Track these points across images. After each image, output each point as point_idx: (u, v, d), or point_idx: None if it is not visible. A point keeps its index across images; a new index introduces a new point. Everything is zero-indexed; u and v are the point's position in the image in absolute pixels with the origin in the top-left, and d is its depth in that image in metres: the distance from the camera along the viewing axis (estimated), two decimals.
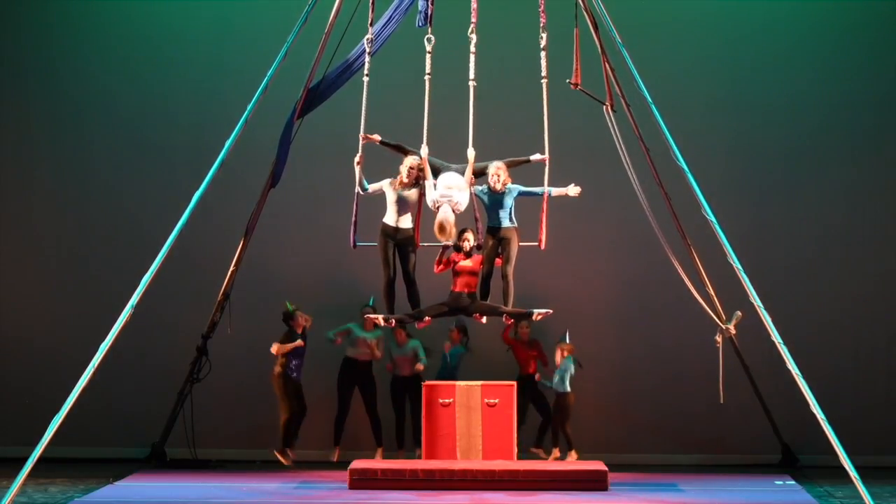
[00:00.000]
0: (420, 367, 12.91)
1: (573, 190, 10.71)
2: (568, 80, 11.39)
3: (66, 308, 13.86)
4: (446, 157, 10.76)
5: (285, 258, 13.85)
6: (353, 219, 10.75)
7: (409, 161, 10.68)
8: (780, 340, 9.74)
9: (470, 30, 10.78)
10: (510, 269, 10.61)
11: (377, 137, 10.81)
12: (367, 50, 11.10)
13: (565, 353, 12.65)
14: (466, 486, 10.48)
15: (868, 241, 13.93)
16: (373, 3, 11.18)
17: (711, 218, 10.34)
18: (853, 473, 9.14)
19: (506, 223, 10.68)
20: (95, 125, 14.08)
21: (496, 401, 11.90)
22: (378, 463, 11.54)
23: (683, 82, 13.85)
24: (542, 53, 10.83)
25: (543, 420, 12.99)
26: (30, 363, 13.77)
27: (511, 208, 10.69)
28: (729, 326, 11.94)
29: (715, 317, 12.05)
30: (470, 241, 10.75)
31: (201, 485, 11.38)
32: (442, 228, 10.36)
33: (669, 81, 13.28)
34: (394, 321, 10.72)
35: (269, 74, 11.02)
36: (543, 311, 10.50)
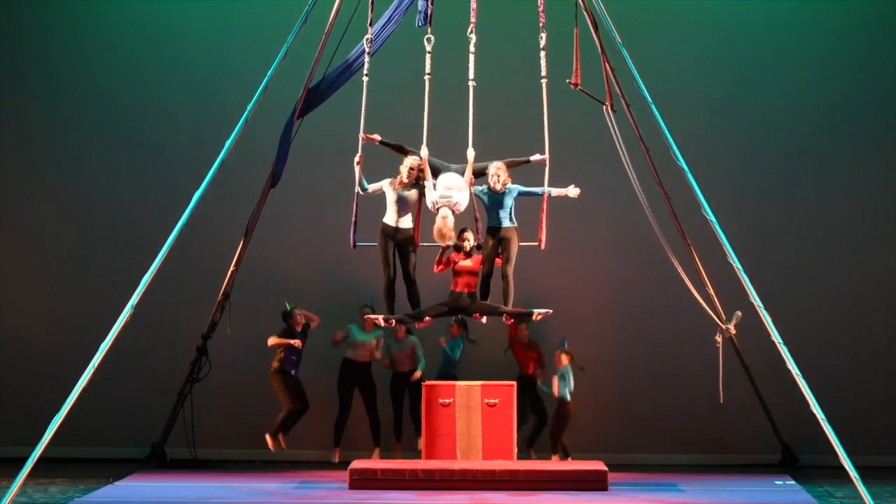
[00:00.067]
0: (418, 374, 12.90)
1: (573, 191, 10.70)
2: (568, 80, 11.38)
3: (66, 308, 13.87)
4: (446, 157, 10.76)
5: (285, 258, 13.85)
6: (353, 219, 10.75)
7: (409, 161, 10.67)
8: (780, 340, 9.74)
9: (470, 30, 10.78)
10: (510, 269, 10.61)
11: (377, 137, 10.81)
12: (367, 50, 11.10)
13: (564, 360, 12.59)
14: (466, 486, 10.48)
15: (868, 241, 13.93)
16: (373, 3, 11.18)
17: (711, 218, 10.34)
18: (853, 473, 9.14)
19: (506, 223, 10.68)
20: (95, 125, 14.09)
21: (496, 401, 11.90)
22: (378, 463, 11.54)
23: (683, 82, 13.85)
24: (542, 53, 10.83)
25: (538, 423, 12.98)
26: (30, 363, 13.77)
27: (511, 208, 10.69)
28: (729, 326, 11.94)
29: (715, 317, 12.05)
30: (470, 241, 10.75)
31: (201, 485, 11.38)
32: (441, 235, 10.40)
33: (669, 81, 13.28)
34: (394, 321, 10.71)
35: (269, 74, 11.02)
36: (543, 310, 10.50)
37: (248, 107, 10.87)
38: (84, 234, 13.99)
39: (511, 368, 13.10)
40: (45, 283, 13.98)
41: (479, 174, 10.71)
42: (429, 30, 10.91)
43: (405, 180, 10.68)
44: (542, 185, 10.70)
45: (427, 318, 10.68)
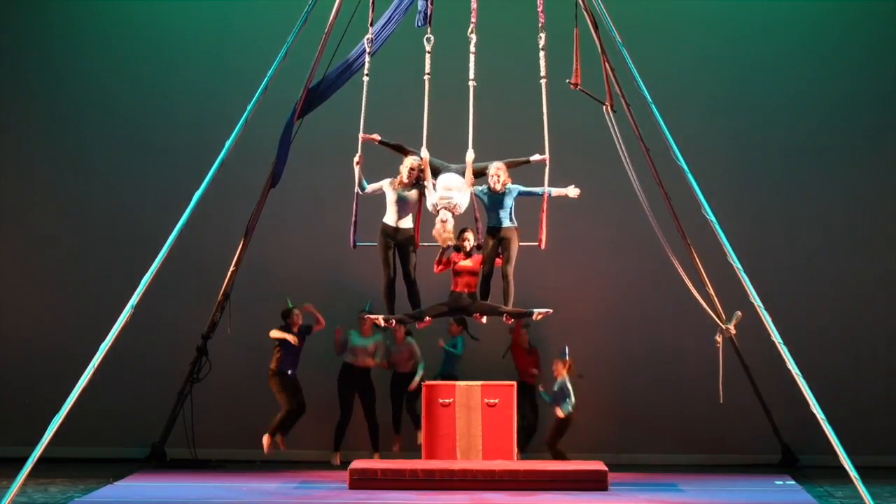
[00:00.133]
0: (415, 383, 12.87)
1: (573, 191, 10.69)
2: (568, 80, 11.38)
3: (66, 308, 13.87)
4: (446, 157, 10.75)
5: (285, 258, 13.85)
6: (353, 219, 10.74)
7: (409, 161, 10.66)
8: (780, 340, 9.74)
9: (470, 30, 10.78)
10: (510, 269, 10.59)
11: (377, 137, 10.80)
12: (367, 50, 11.09)
13: (562, 372, 12.49)
14: (466, 486, 10.48)
15: (868, 241, 13.93)
16: (373, 3, 11.17)
17: (711, 218, 10.34)
18: (853, 473, 9.14)
19: (506, 223, 10.66)
20: (95, 125, 14.09)
21: (496, 401, 11.90)
22: (378, 463, 11.54)
23: (683, 82, 13.85)
24: (542, 53, 10.82)
25: (530, 426, 12.93)
26: (30, 363, 13.77)
27: (511, 208, 10.68)
28: (729, 326, 11.94)
29: (715, 317, 12.05)
30: (470, 241, 10.74)
31: (201, 485, 11.38)
32: (441, 239, 10.40)
33: (669, 81, 13.29)
34: (394, 321, 10.70)
35: (269, 74, 11.02)
36: (544, 310, 10.49)
37: (249, 107, 10.86)
38: (84, 234, 13.99)
39: (511, 368, 13.11)
40: (45, 283, 13.98)
41: (479, 174, 10.69)
42: (429, 30, 10.90)
43: (405, 180, 10.66)
44: (542, 185, 10.69)
45: (427, 318, 10.66)
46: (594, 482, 10.55)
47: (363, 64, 11.11)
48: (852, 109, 13.98)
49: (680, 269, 11.92)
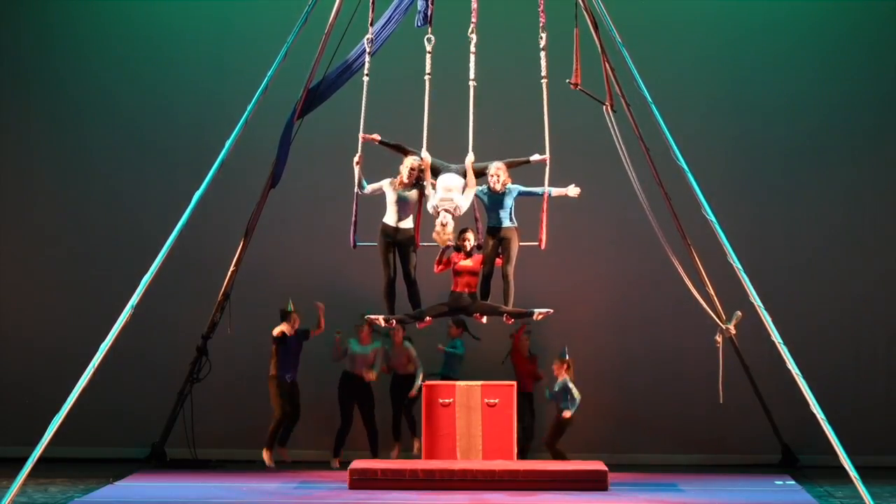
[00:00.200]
0: (413, 392, 12.85)
1: (573, 190, 10.69)
2: (568, 80, 11.38)
3: (66, 308, 13.87)
4: (446, 157, 10.75)
5: (285, 258, 13.85)
6: (353, 219, 10.74)
7: (410, 161, 10.65)
8: (780, 340, 9.73)
9: (470, 30, 10.78)
10: (510, 269, 10.59)
11: (377, 137, 10.80)
12: (367, 50, 11.09)
13: (562, 373, 12.48)
14: (466, 486, 10.48)
15: (868, 240, 13.94)
16: (373, 3, 11.17)
17: (711, 218, 10.34)
18: (853, 473, 9.14)
19: (506, 223, 10.66)
20: (95, 125, 14.09)
21: (496, 401, 11.89)
22: (378, 463, 11.53)
23: (683, 82, 13.85)
24: (542, 53, 10.82)
25: (528, 430, 12.93)
26: (30, 363, 13.77)
27: (511, 208, 10.67)
28: (729, 326, 11.94)
29: (715, 317, 12.05)
30: (470, 240, 10.74)
31: (201, 485, 11.38)
32: (441, 241, 10.39)
33: (669, 81, 13.29)
34: (394, 321, 10.70)
35: (269, 75, 11.02)
36: (544, 310, 10.49)
37: (249, 107, 10.86)
38: (84, 234, 13.99)
39: (511, 369, 13.10)
40: (45, 283, 13.98)
41: (479, 174, 10.69)
42: (429, 30, 10.91)
43: (405, 180, 10.65)
44: (543, 184, 10.69)
45: (428, 318, 10.66)
46: (594, 482, 10.54)
47: (363, 64, 11.11)
48: (852, 109, 13.98)
49: (680, 269, 11.92)
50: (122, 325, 9.61)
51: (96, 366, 9.44)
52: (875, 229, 13.96)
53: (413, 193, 10.66)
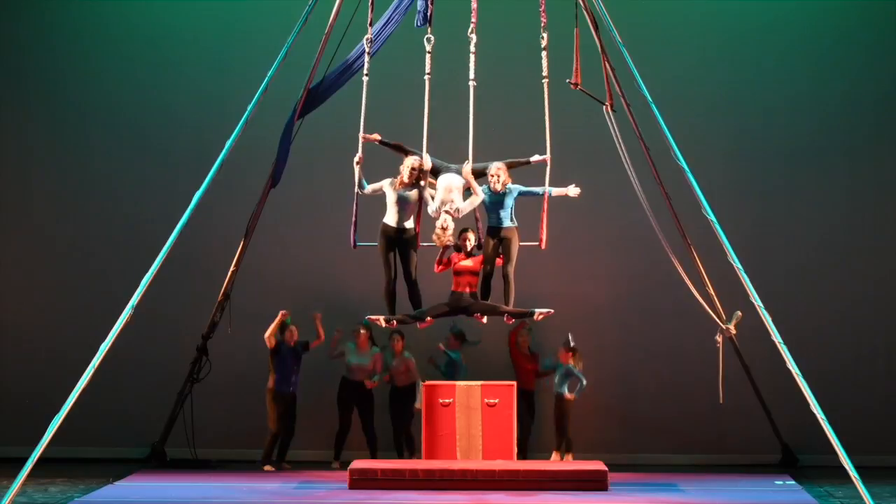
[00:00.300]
0: (417, 407, 12.84)
1: (573, 190, 10.70)
2: (568, 80, 11.38)
3: (66, 308, 13.86)
4: (446, 157, 10.75)
5: (285, 258, 13.84)
6: (353, 219, 10.73)
7: (410, 161, 10.64)
8: (781, 340, 9.73)
9: (470, 30, 10.78)
10: (511, 269, 10.59)
11: (377, 137, 10.80)
12: (367, 50, 11.10)
13: (570, 358, 12.58)
14: (466, 486, 10.47)
15: (868, 240, 13.93)
16: (372, 4, 11.17)
17: (711, 218, 10.33)
18: (853, 473, 9.14)
19: (506, 223, 10.66)
20: (96, 125, 14.09)
21: (496, 401, 11.89)
22: (378, 463, 11.53)
23: (683, 82, 13.85)
24: (543, 53, 10.83)
25: (526, 428, 12.95)
26: (30, 363, 13.77)
27: (511, 208, 10.68)
28: (729, 326, 11.94)
29: (715, 317, 12.05)
30: (471, 240, 10.75)
31: (201, 485, 11.38)
32: (441, 242, 10.39)
33: (669, 81, 13.29)
34: (395, 322, 10.69)
35: (269, 75, 11.01)
36: (545, 310, 10.49)
37: (249, 107, 10.85)
38: (84, 235, 13.99)
39: (511, 368, 13.10)
40: (46, 283, 13.97)
41: (479, 174, 10.70)
42: (429, 30, 10.91)
43: (405, 180, 10.64)
44: (543, 184, 10.70)
45: (428, 318, 10.66)
46: (594, 482, 10.54)
47: (363, 64, 11.11)
48: (852, 110, 13.98)
49: (680, 269, 11.91)
50: (122, 326, 9.61)
51: (96, 366, 9.43)
52: (875, 229, 13.95)
53: (413, 193, 10.64)
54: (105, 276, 13.65)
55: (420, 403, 12.29)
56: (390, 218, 10.67)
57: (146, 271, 9.85)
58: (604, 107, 11.72)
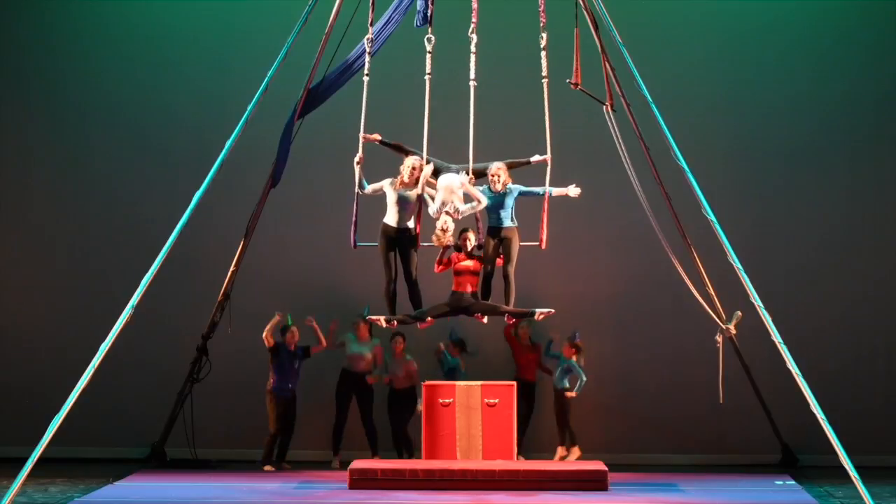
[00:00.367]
0: (418, 410, 12.83)
1: (573, 190, 10.70)
2: (568, 80, 11.38)
3: (66, 308, 13.86)
4: (447, 157, 10.75)
5: (285, 258, 13.84)
6: (354, 219, 10.73)
7: (410, 161, 10.64)
8: (781, 340, 9.73)
9: (470, 30, 10.79)
10: (511, 269, 10.60)
11: (377, 137, 10.80)
12: (367, 50, 11.10)
13: (573, 353, 12.67)
14: (466, 486, 10.47)
15: (868, 240, 13.94)
16: (373, 4, 11.18)
17: (711, 218, 10.33)
18: (853, 473, 9.13)
19: (507, 223, 10.67)
20: (96, 125, 14.09)
21: (496, 401, 11.88)
22: (378, 463, 11.54)
23: (683, 82, 13.85)
24: (543, 53, 10.83)
25: (524, 420, 12.95)
26: (30, 363, 13.77)
27: (512, 208, 10.68)
28: (729, 326, 11.94)
29: (715, 317, 12.05)
30: (471, 240, 10.75)
31: (201, 485, 11.38)
32: (441, 242, 10.39)
33: (669, 81, 13.29)
34: (395, 322, 10.69)
35: (269, 75, 11.01)
36: (545, 310, 10.50)
37: (249, 107, 10.85)
38: (84, 235, 13.99)
39: (511, 368, 13.10)
40: (46, 283, 13.97)
41: (480, 175, 10.70)
42: (429, 30, 10.91)
43: (406, 180, 10.64)
44: (543, 184, 10.70)
45: (429, 318, 10.66)
46: (594, 482, 10.54)
47: (363, 64, 11.11)
48: (852, 110, 13.98)
49: (680, 269, 11.91)
50: (122, 326, 9.61)
51: (96, 366, 9.43)
52: (875, 229, 13.95)
53: (414, 193, 10.63)
54: (105, 276, 13.65)
55: (421, 405, 12.31)
56: (391, 218, 10.67)
57: (146, 271, 9.85)
58: (604, 107, 11.72)
